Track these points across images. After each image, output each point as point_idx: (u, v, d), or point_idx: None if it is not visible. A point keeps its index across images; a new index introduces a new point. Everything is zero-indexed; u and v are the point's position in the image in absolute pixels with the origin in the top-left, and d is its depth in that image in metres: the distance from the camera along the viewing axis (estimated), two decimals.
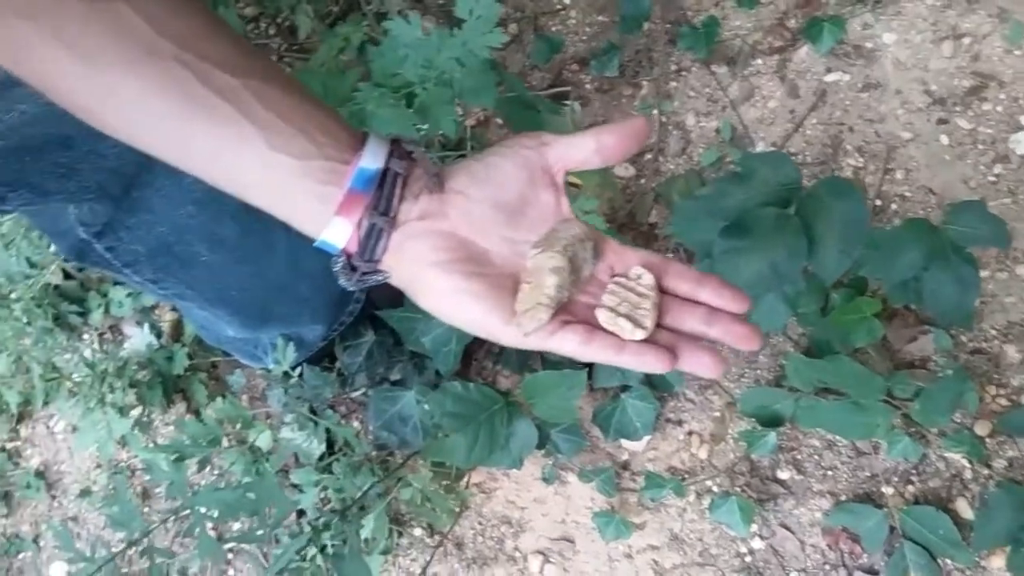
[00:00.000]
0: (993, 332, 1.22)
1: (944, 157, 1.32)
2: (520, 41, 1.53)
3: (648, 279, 0.58)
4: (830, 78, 1.40)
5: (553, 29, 1.54)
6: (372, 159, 0.55)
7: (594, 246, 0.59)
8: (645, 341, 0.56)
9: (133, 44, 0.50)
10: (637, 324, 0.55)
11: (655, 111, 1.43)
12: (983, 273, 1.24)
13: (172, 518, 1.11)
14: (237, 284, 1.06)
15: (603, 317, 0.56)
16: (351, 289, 0.59)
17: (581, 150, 0.59)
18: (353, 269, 0.57)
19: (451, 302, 0.56)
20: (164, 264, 0.98)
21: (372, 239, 0.56)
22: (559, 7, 1.55)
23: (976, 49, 1.36)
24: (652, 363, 0.55)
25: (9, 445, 1.46)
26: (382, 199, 0.55)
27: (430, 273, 0.56)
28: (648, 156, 1.43)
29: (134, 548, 1.01)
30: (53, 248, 1.42)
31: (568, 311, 0.57)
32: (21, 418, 1.47)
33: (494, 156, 0.59)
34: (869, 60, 1.40)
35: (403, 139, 0.58)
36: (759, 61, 1.44)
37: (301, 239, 1.12)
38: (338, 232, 0.55)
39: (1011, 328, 1.22)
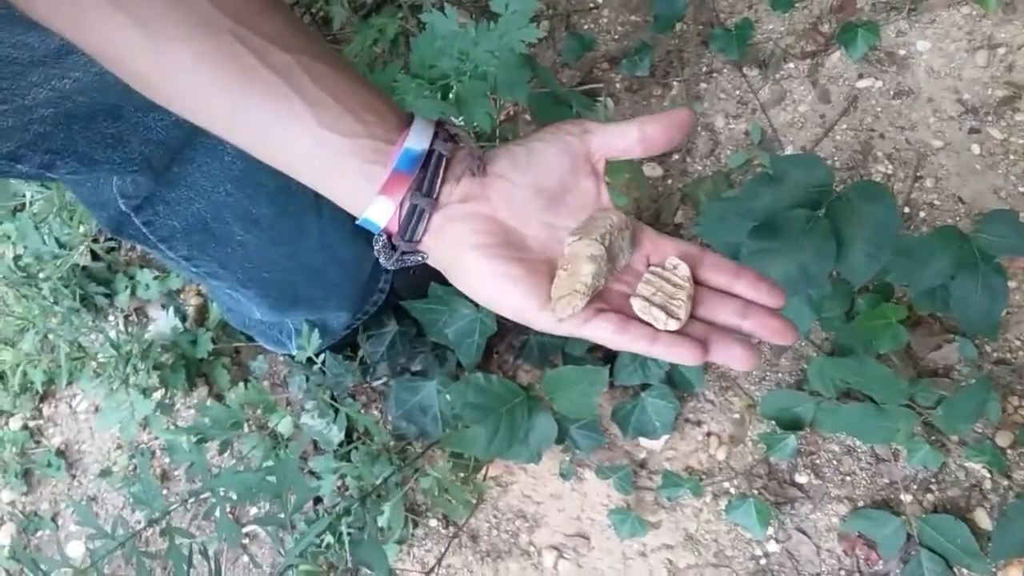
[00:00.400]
0: (1018, 343, 1.21)
1: (975, 167, 1.31)
2: (552, 38, 1.54)
3: (684, 270, 0.58)
4: (862, 84, 1.40)
5: (585, 27, 1.54)
6: (417, 140, 0.56)
7: (631, 235, 0.59)
8: (678, 332, 0.55)
9: (191, 15, 0.50)
10: (671, 315, 0.55)
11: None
12: (1010, 284, 1.23)
13: (191, 500, 1.12)
14: (269, 265, 1.06)
15: (637, 306, 0.56)
16: (390, 268, 0.60)
17: (624, 139, 0.59)
18: (393, 248, 0.58)
19: (489, 285, 0.57)
20: (199, 241, 0.99)
21: (413, 219, 0.56)
22: (592, 5, 1.55)
23: (1011, 59, 1.36)
24: (685, 355, 0.55)
25: (32, 423, 1.47)
26: (425, 180, 0.56)
27: (469, 256, 0.56)
28: (676, 156, 1.43)
29: (154, 527, 1.02)
30: (82, 229, 1.44)
31: (603, 299, 0.57)
32: (44, 397, 1.48)
33: (537, 142, 0.59)
34: (902, 67, 1.40)
35: (447, 122, 0.58)
36: (791, 65, 1.44)
37: (333, 224, 1.13)
38: (381, 211, 0.56)
39: None
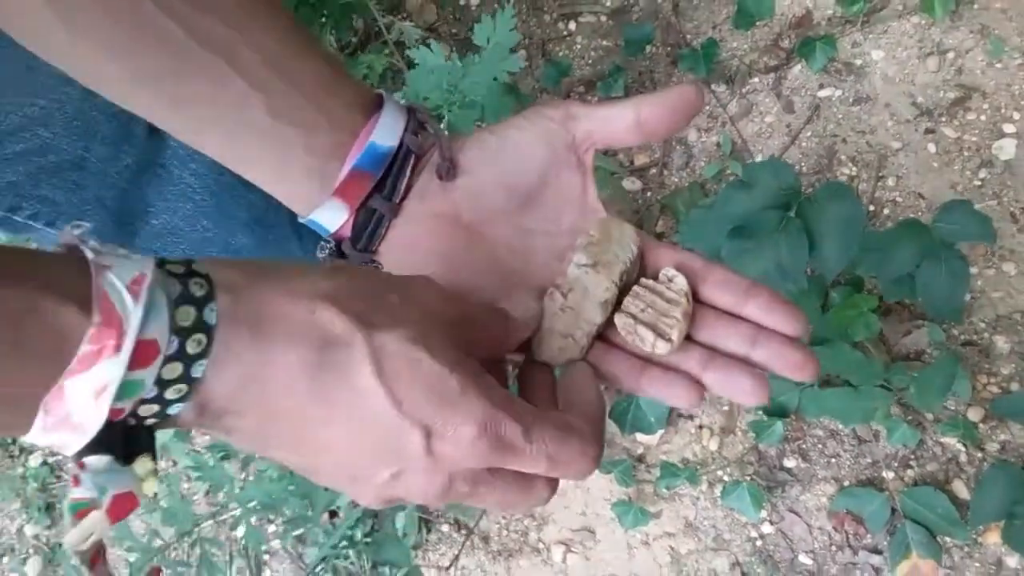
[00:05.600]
0: (982, 325, 1.30)
1: (932, 164, 1.41)
2: (530, 66, 1.62)
3: (680, 283, 0.48)
4: (823, 93, 1.49)
5: (560, 54, 1.63)
6: (386, 133, 0.47)
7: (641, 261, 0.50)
8: (669, 366, 0.47)
9: None
10: (661, 335, 0.46)
11: None
12: (972, 270, 1.32)
13: (217, 514, 1.18)
14: None
15: (621, 323, 0.48)
16: None
17: (617, 124, 0.48)
18: (342, 256, 0.51)
19: None
20: None
21: (371, 226, 0.49)
22: (565, 33, 1.65)
23: (960, 63, 1.45)
24: (679, 395, 0.46)
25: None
26: (389, 180, 0.48)
27: (421, 266, 0.48)
28: (653, 170, 1.51)
29: (184, 539, 1.08)
30: None
31: None
32: None
33: (512, 128, 0.49)
34: (859, 76, 1.49)
35: (418, 109, 0.50)
36: (756, 79, 1.53)
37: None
38: (332, 215, 0.48)
39: (999, 321, 1.29)
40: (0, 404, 0.33)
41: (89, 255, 0.34)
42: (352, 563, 1.26)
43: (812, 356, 0.45)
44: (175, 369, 0.35)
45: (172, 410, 0.36)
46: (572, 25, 1.64)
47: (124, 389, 0.34)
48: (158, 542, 1.04)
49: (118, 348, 0.33)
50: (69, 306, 0.33)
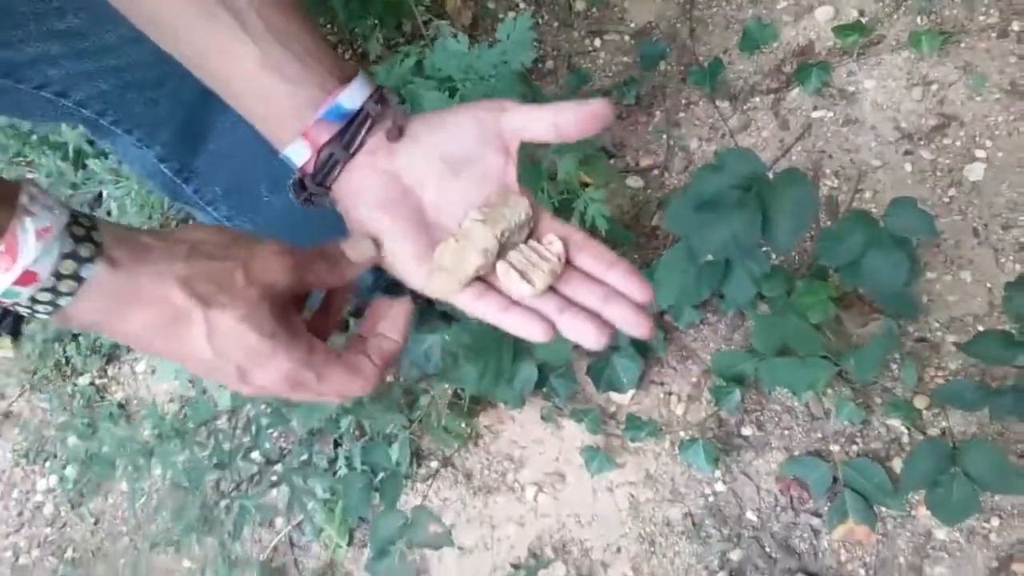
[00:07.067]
0: (936, 325, 1.42)
1: (907, 181, 1.54)
2: (555, 74, 1.80)
3: (557, 247, 0.59)
4: (816, 114, 1.64)
5: (584, 66, 1.80)
6: (351, 98, 0.60)
7: (531, 229, 0.61)
8: (531, 308, 0.58)
9: None
10: (526, 279, 0.57)
11: (664, 135, 1.68)
12: (931, 275, 1.44)
13: (232, 417, 1.35)
14: (296, 227, 1.28)
15: (499, 268, 0.58)
16: (299, 205, 0.64)
17: (538, 123, 0.60)
18: (303, 188, 0.63)
19: (374, 236, 0.61)
20: (236, 202, 1.17)
21: (327, 167, 0.61)
22: (591, 49, 1.82)
23: (942, 95, 1.59)
24: (532, 329, 0.57)
25: (98, 381, 1.72)
26: (347, 134, 0.60)
27: (363, 207, 0.61)
28: (655, 172, 1.67)
29: (202, 428, 1.25)
30: (135, 214, 1.70)
31: None
32: (110, 359, 1.73)
33: (453, 111, 0.62)
34: (850, 101, 1.64)
35: (386, 89, 0.62)
36: (756, 98, 1.69)
37: None
38: (298, 152, 0.61)
39: (952, 322, 1.42)
40: None
41: (24, 200, 0.49)
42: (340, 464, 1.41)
43: (649, 319, 0.57)
44: (46, 296, 0.51)
45: (40, 316, 0.52)
46: (597, 42, 1.82)
47: (4, 293, 0.50)
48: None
49: (8, 269, 0.49)
50: None
